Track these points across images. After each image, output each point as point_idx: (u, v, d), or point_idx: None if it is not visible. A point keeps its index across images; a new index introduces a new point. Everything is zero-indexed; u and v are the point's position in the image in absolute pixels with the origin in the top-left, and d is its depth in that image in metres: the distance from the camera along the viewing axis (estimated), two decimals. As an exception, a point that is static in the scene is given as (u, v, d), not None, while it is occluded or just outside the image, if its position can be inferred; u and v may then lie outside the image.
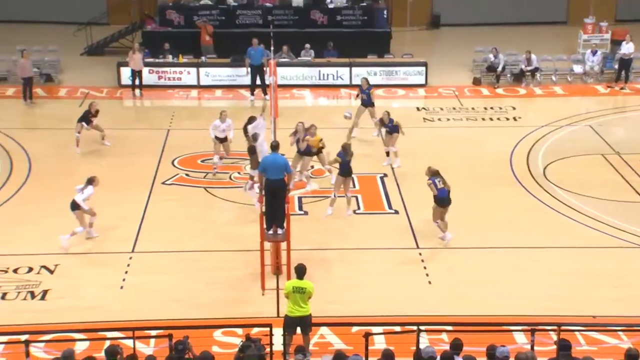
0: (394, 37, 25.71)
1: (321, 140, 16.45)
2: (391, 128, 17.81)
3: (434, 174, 14.52)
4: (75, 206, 14.06)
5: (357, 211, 15.86)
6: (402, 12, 29.49)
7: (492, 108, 22.07)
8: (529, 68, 23.77)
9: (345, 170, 15.18)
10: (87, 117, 18.31)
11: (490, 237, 14.77)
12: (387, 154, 17.96)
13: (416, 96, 23.38)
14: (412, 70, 23.86)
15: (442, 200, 14.35)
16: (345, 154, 15.14)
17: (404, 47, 25.85)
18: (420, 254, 14.31)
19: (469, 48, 25.51)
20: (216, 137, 17.03)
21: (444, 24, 30.24)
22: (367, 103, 19.34)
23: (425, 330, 10.43)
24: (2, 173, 17.11)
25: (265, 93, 22.23)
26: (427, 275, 13.59)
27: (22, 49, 22.33)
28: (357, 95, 19.69)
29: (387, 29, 25.65)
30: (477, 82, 24.08)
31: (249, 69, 22.22)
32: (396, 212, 15.86)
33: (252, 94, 22.49)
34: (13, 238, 14.43)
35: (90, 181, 14.18)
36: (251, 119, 16.29)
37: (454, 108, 22.07)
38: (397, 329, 11.08)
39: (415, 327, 10.16)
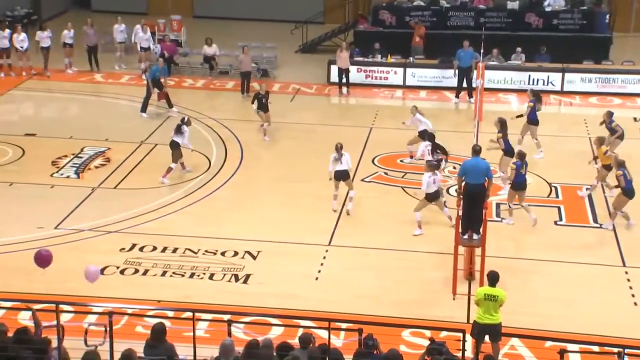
0: (614, 43, 24.30)
1: (605, 152, 15.62)
2: (609, 129, 17.00)
3: (621, 164, 14.21)
4: (347, 175, 15.31)
5: (558, 222, 15.26)
6: (626, 17, 27.76)
7: None
8: None
9: (521, 184, 14.69)
10: (260, 101, 18.88)
11: None
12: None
13: (634, 106, 21.96)
14: (631, 79, 22.50)
15: (630, 191, 14.23)
16: (521, 165, 14.70)
17: (624, 54, 24.41)
18: (626, 272, 13.48)
19: (700, 56, 23.62)
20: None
21: (673, 31, 28.17)
22: (531, 120, 17.79)
23: (628, 354, 9.78)
24: (217, 161, 18.32)
25: (470, 96, 21.94)
26: (632, 295, 12.77)
27: (243, 45, 23.68)
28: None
29: (607, 34, 24.29)
30: None
31: (457, 71, 22.03)
32: (601, 226, 15.03)
33: (457, 96, 22.26)
34: (223, 222, 15.33)
35: (340, 148, 15.30)
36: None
37: (676, 120, 20.56)
38: (596, 349, 10.49)
39: (616, 350, 9.56)
